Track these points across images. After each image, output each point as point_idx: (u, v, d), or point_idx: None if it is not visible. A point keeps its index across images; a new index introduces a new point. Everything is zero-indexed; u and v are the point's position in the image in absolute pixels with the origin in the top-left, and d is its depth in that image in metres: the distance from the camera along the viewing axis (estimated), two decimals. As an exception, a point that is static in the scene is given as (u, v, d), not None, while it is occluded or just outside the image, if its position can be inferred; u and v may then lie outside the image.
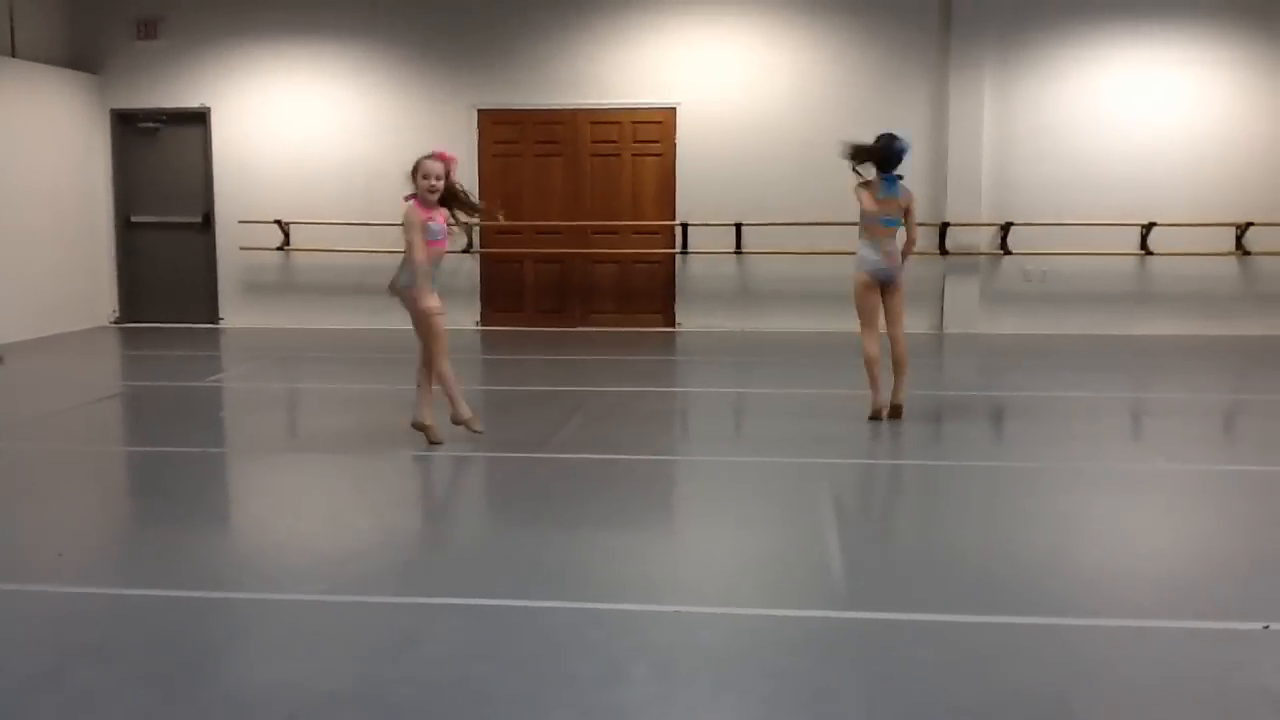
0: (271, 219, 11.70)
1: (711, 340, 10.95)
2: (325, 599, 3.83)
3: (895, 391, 6.73)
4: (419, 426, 6.15)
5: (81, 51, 11.87)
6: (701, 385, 8.92)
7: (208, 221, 12.03)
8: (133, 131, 12.06)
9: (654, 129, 11.49)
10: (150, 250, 12.22)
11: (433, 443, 6.10)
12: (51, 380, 8.77)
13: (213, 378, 8.95)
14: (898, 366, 6.75)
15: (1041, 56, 11.09)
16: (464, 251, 11.47)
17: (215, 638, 3.57)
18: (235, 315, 12.10)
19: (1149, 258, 11.11)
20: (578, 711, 2.98)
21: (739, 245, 11.36)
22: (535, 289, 11.90)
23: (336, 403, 8.01)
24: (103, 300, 12.17)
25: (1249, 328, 11.03)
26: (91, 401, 7.79)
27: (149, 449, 6.49)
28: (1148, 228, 10.96)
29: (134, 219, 12.16)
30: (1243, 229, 10.90)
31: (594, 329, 11.65)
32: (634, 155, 11.58)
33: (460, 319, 10.81)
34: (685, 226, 11.41)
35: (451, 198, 6.17)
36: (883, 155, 6.68)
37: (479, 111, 11.60)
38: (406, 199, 6.08)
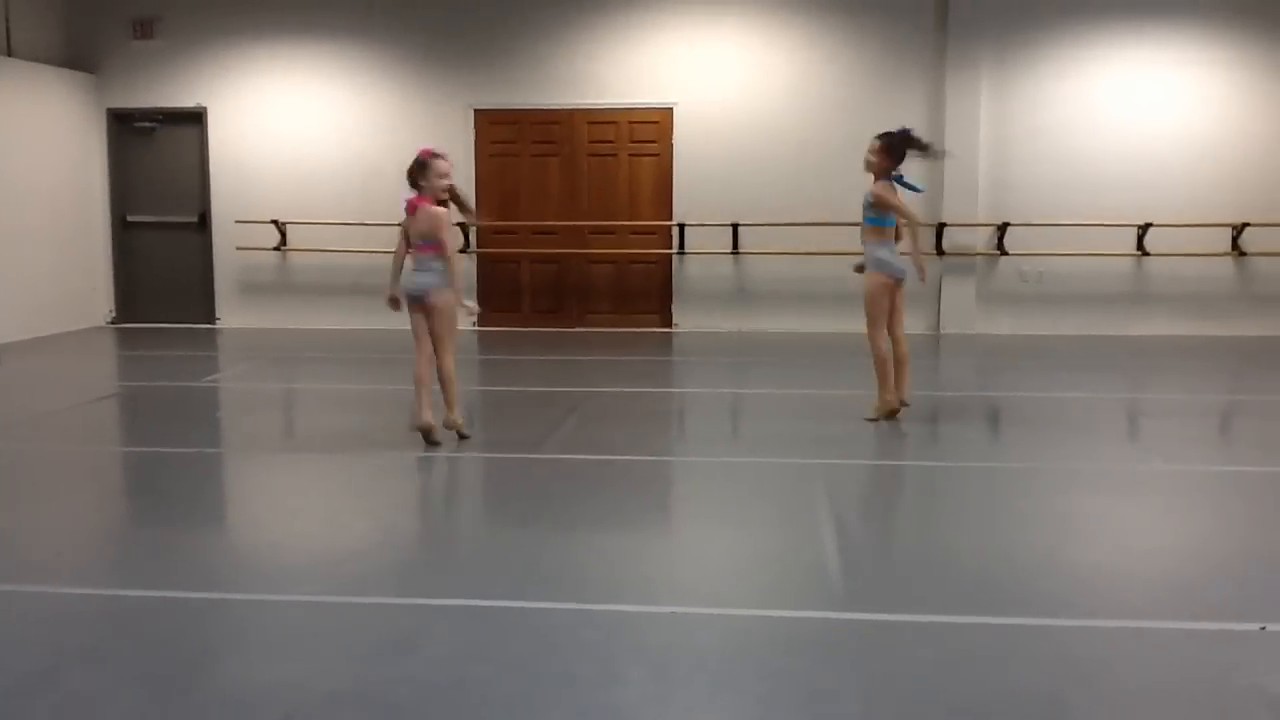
0: (268, 219, 11.70)
1: (708, 340, 10.95)
2: (322, 599, 3.83)
3: (903, 389, 6.76)
4: (424, 428, 6.11)
5: (78, 51, 11.86)
6: (698, 386, 8.92)
7: (204, 221, 12.02)
8: (129, 131, 12.05)
9: (651, 129, 11.50)
10: (147, 250, 12.21)
11: (433, 444, 6.09)
12: (47, 380, 8.75)
13: (209, 378, 8.95)
14: (903, 364, 6.77)
15: (1038, 57, 11.10)
16: (461, 251, 11.45)
17: (212, 638, 3.57)
18: (232, 315, 12.09)
19: (1145, 258, 11.12)
20: (575, 712, 2.98)
21: (736, 245, 11.36)
22: (532, 289, 11.90)
23: (333, 403, 8.01)
24: (99, 300, 12.16)
25: (1245, 328, 11.04)
26: (88, 402, 7.79)
27: (145, 449, 6.49)
28: (1144, 228, 10.97)
29: (130, 219, 12.15)
30: (1239, 229, 10.91)
31: (591, 329, 11.65)
32: (631, 155, 11.58)
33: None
34: (682, 227, 11.42)
35: (452, 198, 6.17)
36: (903, 151, 6.68)
37: (476, 111, 11.60)
38: (420, 200, 6.05)
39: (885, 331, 6.72)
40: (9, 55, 10.90)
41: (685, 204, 11.45)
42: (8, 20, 10.98)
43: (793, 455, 5.99)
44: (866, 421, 6.70)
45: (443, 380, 6.16)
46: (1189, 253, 10.98)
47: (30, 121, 11.05)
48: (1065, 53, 11.06)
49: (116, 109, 11.96)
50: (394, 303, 6.27)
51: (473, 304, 6.21)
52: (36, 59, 11.26)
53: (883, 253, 6.66)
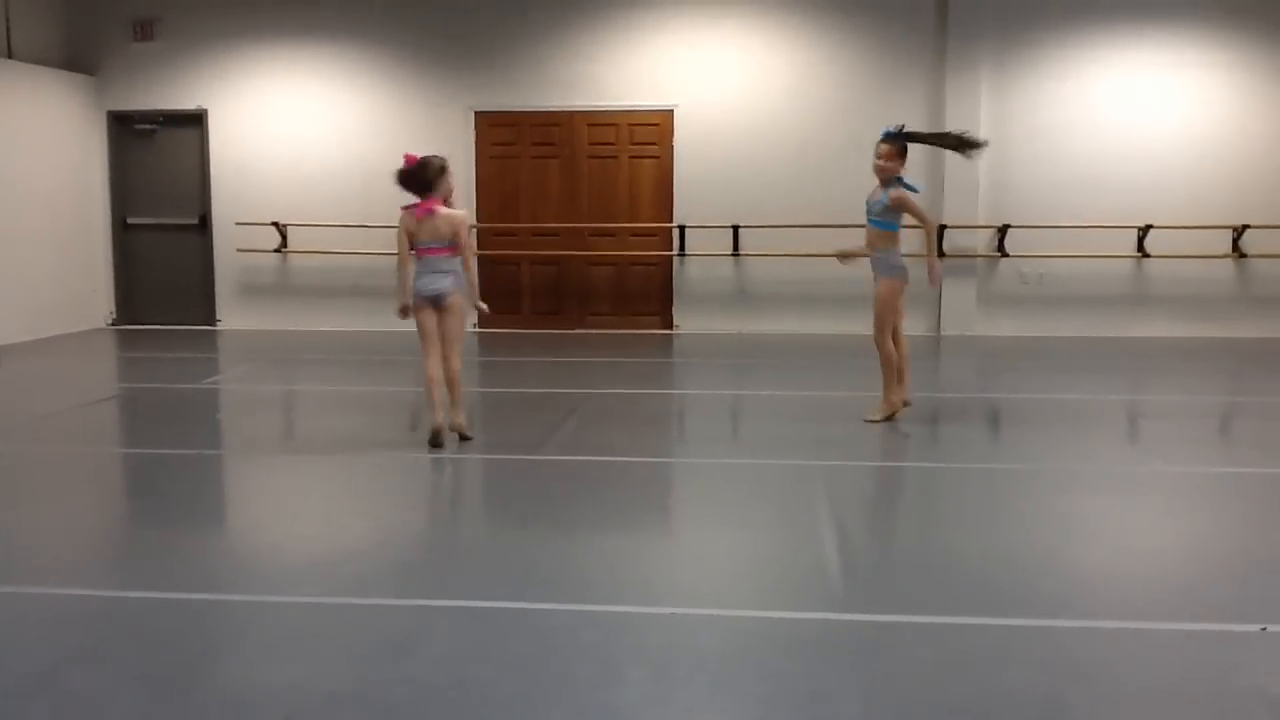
0: (268, 221, 11.70)
1: (709, 342, 10.95)
2: (322, 601, 3.83)
3: (904, 389, 6.81)
4: (440, 429, 6.11)
5: (78, 53, 11.87)
6: (699, 387, 8.92)
7: (204, 223, 12.02)
8: (129, 133, 12.05)
9: (651, 131, 11.50)
10: (147, 252, 12.21)
11: (437, 445, 6.10)
12: (48, 382, 8.76)
13: (209, 379, 8.95)
14: (905, 364, 6.82)
15: (1038, 58, 11.10)
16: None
17: (212, 639, 3.57)
18: (232, 317, 12.10)
19: (1146, 260, 11.12)
20: (574, 712, 2.98)
21: (736, 247, 11.37)
22: (532, 291, 11.90)
23: (333, 404, 8.01)
24: (99, 302, 12.16)
25: (1245, 330, 11.04)
26: (88, 403, 7.79)
27: (146, 451, 6.49)
28: (1144, 230, 10.97)
29: (130, 221, 12.16)
30: (1239, 231, 10.91)
31: (591, 331, 11.65)
32: (631, 157, 11.59)
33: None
34: (683, 228, 11.42)
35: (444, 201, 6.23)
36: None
37: (476, 113, 11.60)
38: (434, 202, 6.08)
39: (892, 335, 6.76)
40: (9, 57, 10.90)
41: (685, 206, 11.45)
42: (8, 22, 10.98)
43: (793, 457, 5.99)
44: (868, 423, 6.70)
45: (451, 381, 6.16)
46: (1189, 254, 10.97)
47: (30, 123, 11.06)
48: (1065, 54, 11.06)
49: (117, 111, 11.97)
50: (405, 311, 6.19)
51: (484, 305, 6.36)
52: (36, 61, 11.27)
53: (897, 258, 6.68)
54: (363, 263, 11.73)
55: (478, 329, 11.59)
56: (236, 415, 7.81)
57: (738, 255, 11.43)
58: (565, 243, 11.75)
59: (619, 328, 11.69)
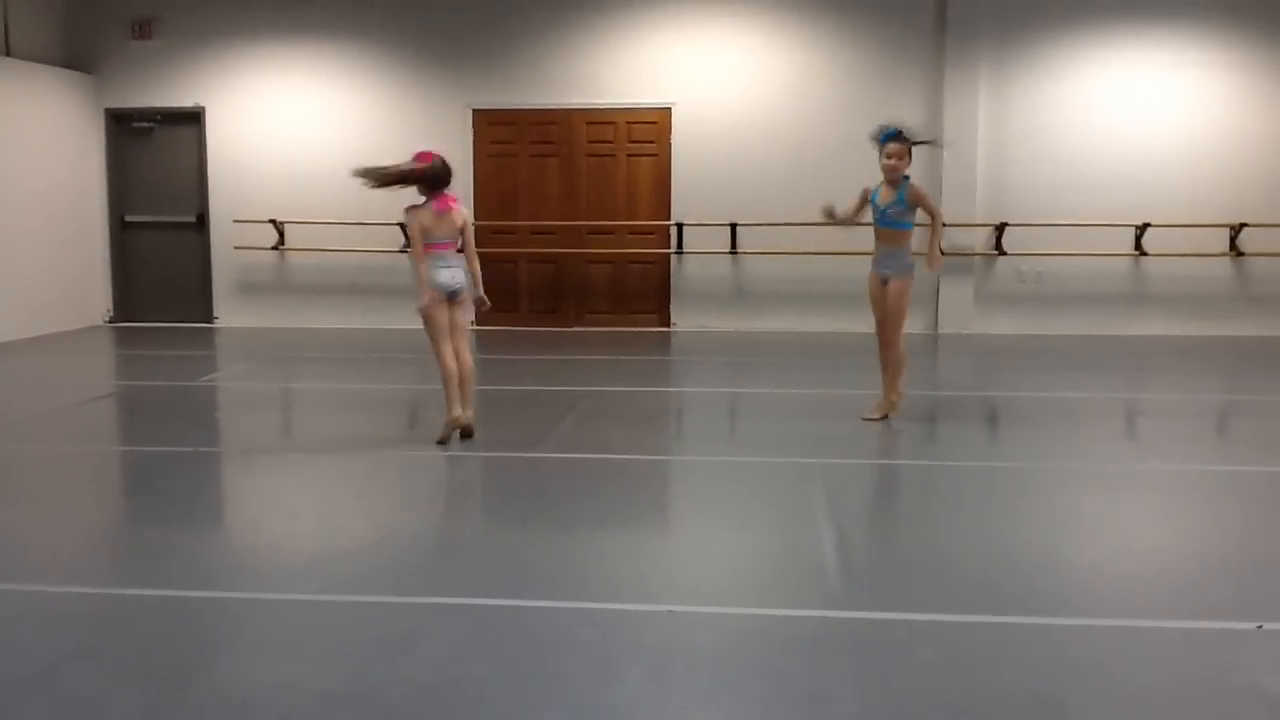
0: (266, 218, 11.69)
1: (706, 340, 10.95)
2: (319, 599, 3.83)
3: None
4: (457, 423, 6.16)
5: (76, 51, 11.86)
6: (696, 385, 8.92)
7: (202, 221, 12.01)
8: (127, 131, 12.04)
9: (649, 129, 11.50)
10: (145, 250, 12.21)
11: (442, 441, 6.12)
12: (45, 380, 8.75)
13: (207, 377, 8.94)
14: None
15: (1036, 57, 11.10)
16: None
17: (209, 637, 3.57)
18: (230, 315, 12.09)
19: (1143, 258, 11.13)
20: (572, 711, 2.98)
21: (734, 245, 11.37)
22: (530, 289, 11.90)
23: (331, 402, 8.01)
24: (97, 299, 12.16)
25: (1243, 328, 11.05)
26: (86, 401, 7.78)
27: (143, 449, 6.48)
28: (1142, 228, 10.98)
29: (128, 218, 12.15)
30: (1236, 230, 10.92)
31: (589, 329, 11.65)
32: (629, 155, 11.58)
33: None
34: (680, 227, 11.42)
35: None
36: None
37: (474, 111, 11.60)
38: (450, 199, 6.13)
39: None
40: (7, 55, 10.89)
41: (683, 204, 11.45)
42: (6, 20, 10.97)
43: (791, 455, 5.99)
44: (866, 421, 6.70)
45: (466, 376, 6.20)
46: (1187, 253, 10.98)
47: (29, 121, 11.05)
48: (1063, 53, 11.06)
49: (115, 109, 11.96)
50: (431, 306, 6.10)
51: (487, 299, 6.43)
52: (35, 59, 11.26)
53: (909, 257, 6.72)
54: (360, 260, 11.74)
55: (475, 326, 11.59)
56: (234, 413, 7.81)
57: (735, 253, 11.43)
58: (563, 241, 11.74)
59: (617, 325, 11.69)
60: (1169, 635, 3.55)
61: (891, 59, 11.18)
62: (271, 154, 11.79)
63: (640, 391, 8.26)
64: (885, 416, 6.75)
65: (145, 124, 12.00)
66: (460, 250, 6.21)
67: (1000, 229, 11.10)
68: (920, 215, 6.75)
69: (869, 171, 6.83)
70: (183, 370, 9.08)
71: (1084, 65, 11.05)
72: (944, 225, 6.89)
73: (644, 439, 6.66)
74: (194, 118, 11.87)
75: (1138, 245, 11.06)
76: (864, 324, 7.05)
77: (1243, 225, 10.88)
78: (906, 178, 6.63)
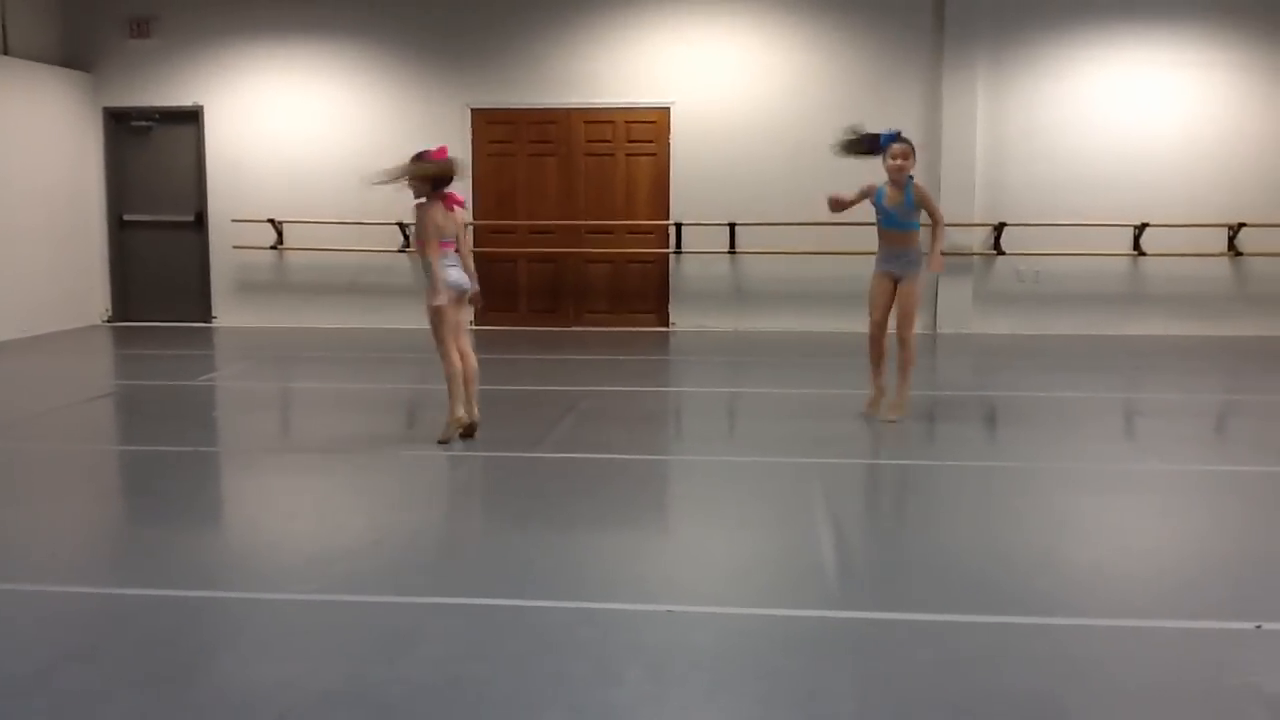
0: (265, 218, 11.69)
1: (705, 340, 10.95)
2: (318, 598, 3.83)
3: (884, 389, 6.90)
4: (464, 423, 6.19)
5: (74, 50, 11.85)
6: (695, 385, 8.92)
7: (200, 220, 12.01)
8: (125, 130, 12.04)
9: (648, 129, 11.50)
10: (143, 249, 12.20)
11: (444, 442, 6.12)
12: (44, 379, 8.75)
13: (205, 377, 8.94)
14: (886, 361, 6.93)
15: (1035, 57, 11.11)
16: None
17: (208, 637, 3.56)
18: (228, 314, 12.09)
19: (1142, 258, 11.13)
20: (570, 711, 2.98)
21: (733, 245, 11.37)
22: (529, 289, 11.89)
23: (330, 402, 8.00)
24: (95, 299, 12.15)
25: (1241, 328, 11.06)
26: (84, 400, 7.78)
27: (141, 448, 6.48)
28: (1140, 228, 10.98)
29: (127, 218, 12.15)
30: (1235, 230, 10.93)
31: (588, 329, 11.65)
32: (628, 155, 11.58)
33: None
34: (679, 226, 11.42)
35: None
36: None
37: (473, 111, 11.60)
38: (456, 197, 6.14)
39: None
40: (5, 54, 10.88)
41: (682, 203, 11.45)
42: (4, 19, 10.96)
43: (789, 454, 5.99)
44: (886, 423, 6.66)
45: (471, 374, 6.22)
46: (1185, 253, 10.99)
47: (27, 120, 11.04)
48: (1062, 53, 11.07)
49: (113, 108, 11.95)
50: (445, 303, 6.09)
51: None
52: (33, 58, 11.25)
53: (919, 255, 6.73)
54: (359, 260, 11.74)
55: (474, 326, 11.57)
56: (232, 413, 7.80)
57: (734, 253, 11.43)
58: (562, 240, 11.74)
59: (615, 325, 11.69)
60: (1168, 635, 3.55)
61: (890, 59, 11.18)
62: (270, 153, 11.78)
63: (639, 391, 8.26)
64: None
65: (143, 123, 12.00)
66: (457, 249, 6.21)
67: (999, 229, 11.11)
68: (921, 215, 6.74)
69: (868, 171, 6.83)
70: (181, 370, 9.08)
71: (1082, 65, 11.05)
72: (944, 226, 6.87)
73: (643, 439, 6.66)
74: (192, 116, 11.87)
75: (1136, 245, 11.06)
76: (863, 324, 7.03)
77: (1241, 225, 10.89)
78: (910, 178, 6.63)
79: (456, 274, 6.14)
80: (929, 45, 11.12)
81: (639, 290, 11.78)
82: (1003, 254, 11.19)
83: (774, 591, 4.00)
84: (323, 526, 4.78)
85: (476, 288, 6.35)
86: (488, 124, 11.63)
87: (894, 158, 6.58)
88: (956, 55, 11.01)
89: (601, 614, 3.67)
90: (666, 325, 11.69)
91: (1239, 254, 11.01)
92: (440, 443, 6.11)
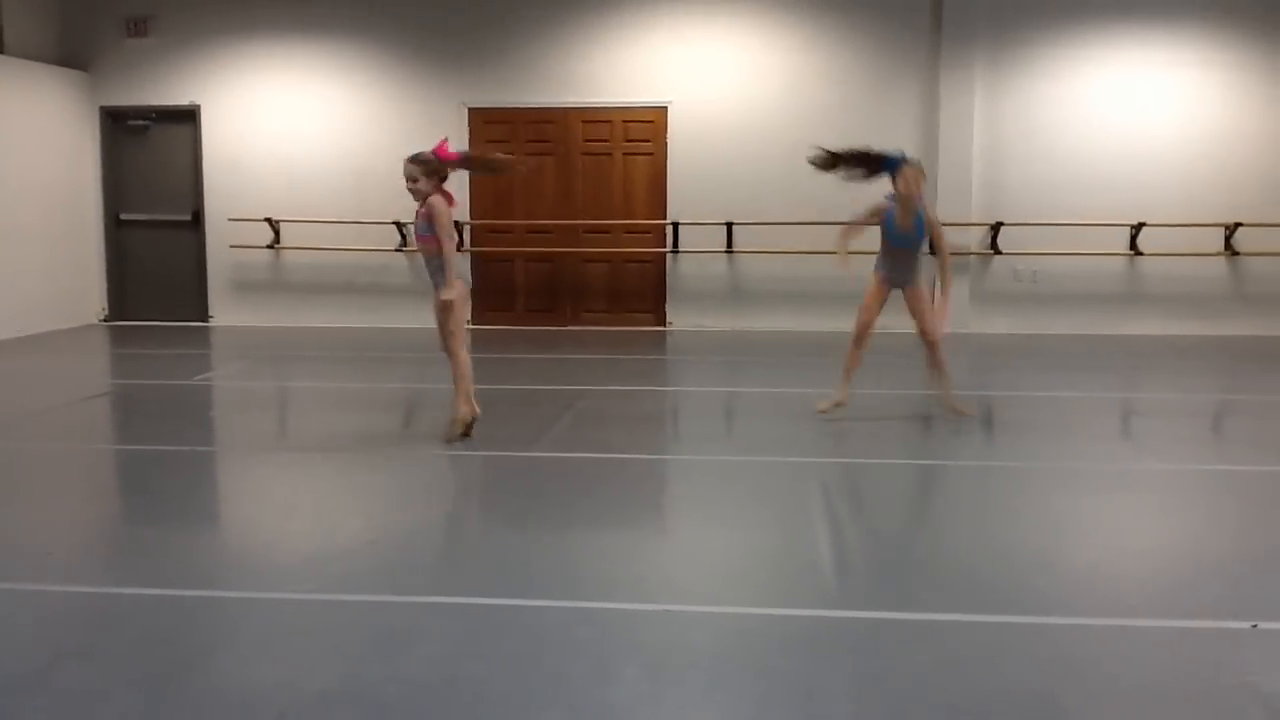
0: (261, 217, 11.68)
1: (702, 339, 10.95)
2: (315, 597, 3.82)
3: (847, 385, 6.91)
4: (471, 420, 6.19)
5: (71, 49, 11.84)
6: (692, 384, 8.92)
7: (197, 219, 12.00)
8: (122, 129, 12.03)
9: (645, 128, 11.50)
10: (140, 248, 12.19)
11: (454, 440, 6.13)
12: (40, 378, 8.73)
13: (202, 376, 8.93)
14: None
15: (1032, 57, 11.11)
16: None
17: (205, 636, 3.56)
18: (225, 313, 12.08)
19: (1139, 258, 11.14)
20: (568, 710, 2.98)
21: (730, 244, 11.37)
22: (526, 288, 11.89)
23: (326, 401, 8.00)
24: (92, 298, 12.14)
25: (1238, 328, 11.07)
26: (80, 400, 7.77)
27: (138, 447, 6.47)
28: (1137, 228, 11.00)
29: (123, 216, 12.13)
30: (1232, 229, 10.94)
31: (585, 328, 11.65)
32: (625, 154, 11.58)
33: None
34: (676, 226, 11.42)
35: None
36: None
37: (470, 110, 11.59)
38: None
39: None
40: (2, 53, 10.87)
41: (679, 203, 11.45)
42: (1, 18, 10.95)
43: (787, 454, 5.99)
44: (958, 416, 6.70)
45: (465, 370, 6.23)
46: (1183, 252, 11.00)
47: (24, 119, 11.02)
48: (1059, 53, 11.07)
49: (110, 107, 11.94)
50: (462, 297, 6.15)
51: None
52: (30, 56, 11.23)
53: (920, 263, 6.74)
54: (356, 259, 11.73)
55: (470, 325, 11.57)
56: (229, 412, 7.80)
57: (731, 252, 11.43)
58: (559, 240, 11.74)
59: (613, 325, 11.68)
60: (1165, 634, 3.55)
61: (888, 59, 11.18)
62: (267, 152, 11.77)
63: (637, 391, 8.26)
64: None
65: (140, 122, 11.99)
66: None
67: (996, 228, 11.11)
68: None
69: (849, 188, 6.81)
70: (178, 369, 9.07)
71: (1080, 65, 11.06)
72: (949, 257, 6.74)
73: (640, 438, 6.66)
74: (189, 116, 11.86)
75: (1133, 245, 11.07)
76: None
77: (1238, 225, 10.90)
78: (921, 204, 6.55)
79: (464, 269, 6.16)
80: (927, 45, 11.13)
81: (636, 290, 11.78)
82: (1000, 254, 11.19)
83: (771, 591, 4.00)
84: (320, 526, 4.78)
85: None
86: (485, 123, 11.63)
87: (908, 183, 6.43)
88: (954, 55, 11.01)
89: (599, 613, 3.67)
90: (664, 324, 11.68)
91: (1236, 254, 11.02)
92: (449, 442, 6.10)
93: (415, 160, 5.96)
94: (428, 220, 5.96)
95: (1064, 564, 4.27)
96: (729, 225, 11.29)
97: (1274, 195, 10.97)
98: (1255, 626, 3.55)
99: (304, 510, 5.06)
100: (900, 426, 6.67)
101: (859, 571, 4.18)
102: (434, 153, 6.00)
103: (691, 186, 11.40)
